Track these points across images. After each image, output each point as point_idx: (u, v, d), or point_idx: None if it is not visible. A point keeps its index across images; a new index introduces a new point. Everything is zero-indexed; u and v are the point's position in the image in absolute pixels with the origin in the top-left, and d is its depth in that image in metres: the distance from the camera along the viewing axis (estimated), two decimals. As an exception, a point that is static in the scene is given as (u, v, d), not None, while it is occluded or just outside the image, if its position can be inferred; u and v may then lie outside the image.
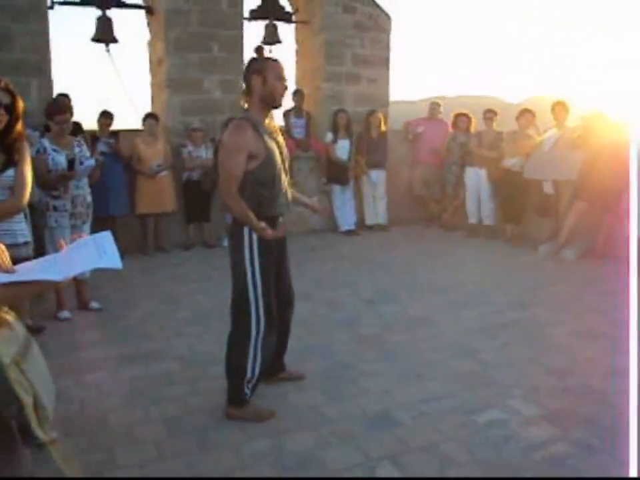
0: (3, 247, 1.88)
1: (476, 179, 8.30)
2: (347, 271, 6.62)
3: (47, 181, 4.77)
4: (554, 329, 4.67)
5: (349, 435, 3.13)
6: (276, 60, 3.22)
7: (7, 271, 1.52)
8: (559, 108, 7.53)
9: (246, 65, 3.23)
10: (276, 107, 3.23)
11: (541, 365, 3.99)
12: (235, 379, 3.30)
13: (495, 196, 8.23)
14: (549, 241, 7.39)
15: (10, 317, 1.72)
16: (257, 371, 3.29)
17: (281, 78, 3.15)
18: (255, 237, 3.15)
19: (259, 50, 3.25)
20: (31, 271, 1.55)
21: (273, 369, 3.67)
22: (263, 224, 3.11)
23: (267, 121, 3.22)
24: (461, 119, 8.80)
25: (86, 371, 3.98)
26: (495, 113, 8.36)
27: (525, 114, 7.91)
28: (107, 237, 1.65)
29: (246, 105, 3.24)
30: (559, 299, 5.47)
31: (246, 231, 3.16)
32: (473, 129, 8.74)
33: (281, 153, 3.25)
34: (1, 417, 1.60)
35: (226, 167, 3.09)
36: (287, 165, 3.34)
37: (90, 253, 1.57)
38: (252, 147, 3.06)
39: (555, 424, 3.22)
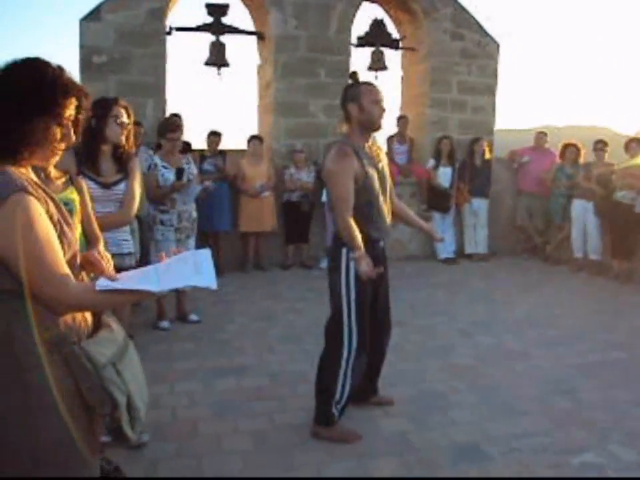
0: (109, 256, 1.99)
1: (583, 211, 7.98)
2: (442, 299, 6.52)
3: (157, 195, 5.00)
4: (661, 373, 4.40)
5: (434, 464, 3.07)
6: (371, 84, 3.22)
7: (110, 278, 1.61)
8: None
9: (342, 92, 3.25)
10: (375, 130, 3.24)
11: (645, 410, 3.77)
12: (324, 399, 3.31)
13: (603, 230, 7.88)
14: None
15: (111, 320, 1.82)
16: (347, 392, 3.28)
17: (377, 102, 3.14)
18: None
19: (353, 75, 3.26)
20: (132, 280, 1.63)
21: (365, 392, 3.66)
22: (365, 256, 3.04)
23: (367, 146, 3.24)
24: (570, 150, 8.48)
25: (180, 379, 4.12)
26: (606, 144, 8.04)
27: (631, 144, 7.58)
28: (205, 254, 1.68)
29: (344, 129, 3.27)
30: (668, 341, 5.14)
31: (344, 252, 3.17)
32: (581, 160, 8.42)
33: (380, 178, 3.25)
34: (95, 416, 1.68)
35: (338, 193, 3.11)
36: (388, 191, 3.34)
37: (187, 269, 1.61)
38: (355, 171, 3.10)
39: (657, 473, 3.02)
